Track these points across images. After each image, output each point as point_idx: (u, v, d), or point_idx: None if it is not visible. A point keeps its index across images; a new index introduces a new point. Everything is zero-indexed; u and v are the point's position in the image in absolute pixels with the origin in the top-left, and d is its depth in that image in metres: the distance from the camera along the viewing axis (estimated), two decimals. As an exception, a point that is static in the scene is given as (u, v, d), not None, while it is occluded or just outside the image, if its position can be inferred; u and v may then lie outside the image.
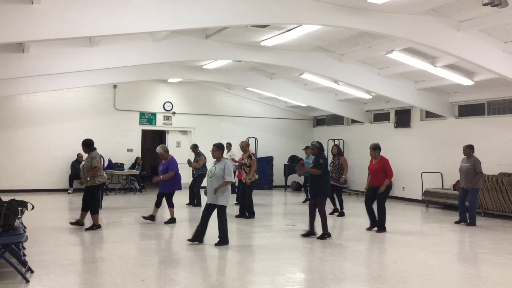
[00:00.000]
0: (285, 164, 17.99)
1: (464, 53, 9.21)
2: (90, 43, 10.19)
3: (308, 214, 8.47)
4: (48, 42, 9.64)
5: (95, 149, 8.78)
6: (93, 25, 7.23)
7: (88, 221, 8.84)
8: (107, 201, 12.95)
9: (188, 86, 17.44)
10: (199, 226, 7.63)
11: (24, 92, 13.92)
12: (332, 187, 10.06)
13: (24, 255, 6.02)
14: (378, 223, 9.04)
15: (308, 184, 10.97)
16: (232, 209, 11.35)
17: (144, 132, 17.24)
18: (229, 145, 14.45)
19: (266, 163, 17.75)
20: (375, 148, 9.20)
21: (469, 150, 10.22)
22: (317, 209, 8.31)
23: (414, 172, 14.33)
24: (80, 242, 7.81)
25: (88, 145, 8.77)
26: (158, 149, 9.85)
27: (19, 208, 5.94)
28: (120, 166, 15.68)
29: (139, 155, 16.58)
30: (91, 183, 8.56)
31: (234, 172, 10.64)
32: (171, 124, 17.36)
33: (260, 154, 17.91)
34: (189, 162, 12.51)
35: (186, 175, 14.80)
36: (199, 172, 12.31)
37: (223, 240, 7.49)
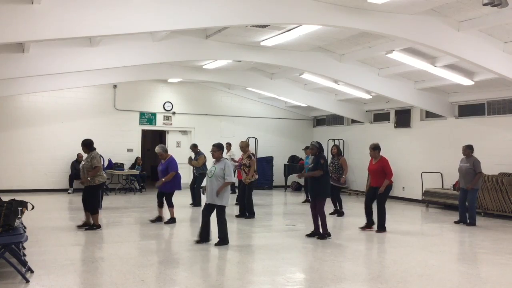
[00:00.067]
0: (285, 164, 18.00)
1: (464, 53, 9.21)
2: (90, 43, 10.19)
3: (311, 215, 8.47)
4: (48, 42, 9.64)
5: (94, 149, 8.79)
6: (93, 25, 7.23)
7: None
8: (107, 201, 12.95)
9: (188, 86, 17.44)
10: (202, 228, 7.65)
11: (24, 92, 13.92)
12: (331, 187, 10.06)
13: (24, 255, 6.02)
14: (378, 223, 9.05)
15: (308, 185, 10.97)
16: (232, 209, 11.35)
17: (144, 132, 17.24)
18: (228, 145, 14.45)
19: (266, 163, 17.76)
20: (375, 148, 9.20)
21: (468, 150, 10.21)
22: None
23: (414, 172, 14.33)
24: (80, 242, 7.80)
25: (87, 145, 8.78)
26: (157, 149, 9.85)
27: (19, 208, 5.95)
28: (120, 166, 15.68)
29: (139, 155, 16.58)
30: (91, 182, 8.56)
31: (234, 172, 10.63)
32: (171, 124, 17.36)
33: (260, 154, 17.91)
34: (190, 159, 12.51)
35: (186, 175, 14.82)
36: (200, 171, 12.31)
37: (223, 240, 7.49)
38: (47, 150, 15.25)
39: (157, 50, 10.60)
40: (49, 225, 9.05)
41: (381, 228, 8.99)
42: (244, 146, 10.95)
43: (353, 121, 17.49)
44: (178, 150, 16.62)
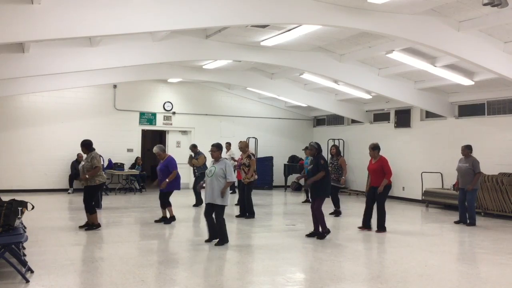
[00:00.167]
0: (285, 164, 18.00)
1: (464, 53, 9.21)
2: (90, 43, 10.19)
3: (311, 215, 8.46)
4: (48, 42, 9.64)
5: (94, 149, 8.79)
6: (93, 25, 7.23)
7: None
8: (107, 201, 12.94)
9: (188, 86, 17.44)
10: (209, 227, 7.70)
11: (24, 92, 13.92)
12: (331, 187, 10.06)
13: (24, 255, 6.02)
14: (378, 223, 9.04)
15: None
16: (233, 209, 11.36)
17: (144, 132, 17.24)
18: (228, 144, 14.45)
19: (266, 163, 17.75)
20: (374, 148, 9.20)
21: (467, 150, 10.21)
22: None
23: (414, 172, 14.33)
24: (80, 242, 7.80)
25: (87, 145, 8.78)
26: (155, 149, 9.84)
27: (19, 208, 5.95)
28: (120, 166, 15.68)
29: (139, 155, 16.58)
30: (91, 182, 8.56)
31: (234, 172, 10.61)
32: (171, 124, 17.35)
33: (260, 154, 17.91)
34: (190, 157, 12.50)
35: (185, 175, 14.85)
36: (201, 170, 12.29)
37: (222, 240, 7.50)
38: (47, 150, 15.25)
39: (157, 50, 10.60)
40: (49, 225, 9.05)
41: (381, 228, 8.99)
42: (243, 146, 10.94)
43: (353, 121, 17.49)
44: (178, 150, 16.63)
